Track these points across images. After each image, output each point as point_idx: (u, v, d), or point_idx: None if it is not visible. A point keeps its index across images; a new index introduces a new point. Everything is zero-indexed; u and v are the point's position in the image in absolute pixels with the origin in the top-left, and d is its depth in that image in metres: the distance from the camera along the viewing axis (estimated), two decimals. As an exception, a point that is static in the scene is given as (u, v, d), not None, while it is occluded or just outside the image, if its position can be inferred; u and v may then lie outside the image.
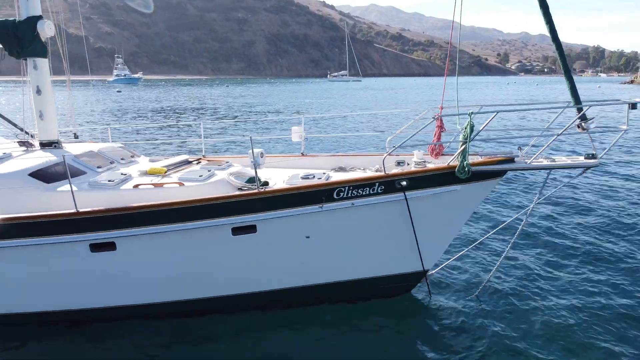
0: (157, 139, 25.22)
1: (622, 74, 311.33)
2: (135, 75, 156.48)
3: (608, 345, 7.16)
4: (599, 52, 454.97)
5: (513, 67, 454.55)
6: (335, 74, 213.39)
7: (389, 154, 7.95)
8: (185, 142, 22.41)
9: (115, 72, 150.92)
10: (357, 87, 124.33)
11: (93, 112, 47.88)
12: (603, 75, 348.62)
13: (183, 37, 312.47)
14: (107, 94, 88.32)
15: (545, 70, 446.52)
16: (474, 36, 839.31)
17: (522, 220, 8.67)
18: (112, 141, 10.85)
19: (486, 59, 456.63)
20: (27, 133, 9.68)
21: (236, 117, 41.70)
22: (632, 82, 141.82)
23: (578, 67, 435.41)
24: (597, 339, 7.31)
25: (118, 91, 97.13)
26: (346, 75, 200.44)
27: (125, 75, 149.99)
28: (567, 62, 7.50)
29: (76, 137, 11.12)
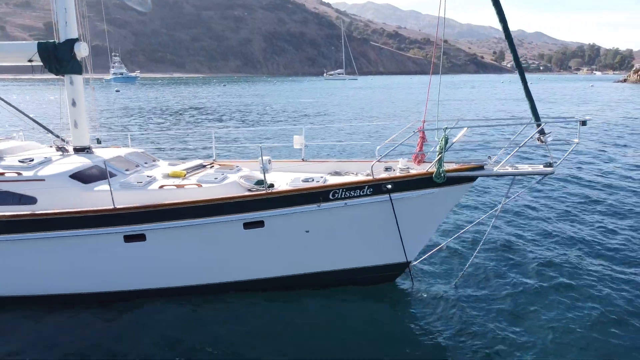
0: (170, 143, 26.59)
1: (617, 72, 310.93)
2: (133, 74, 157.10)
3: (565, 322, 8.48)
4: (595, 50, 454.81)
5: (509, 65, 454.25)
6: (332, 72, 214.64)
7: (378, 161, 9.27)
8: (196, 146, 23.85)
9: (112, 70, 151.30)
10: (352, 87, 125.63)
11: (99, 113, 49.03)
12: (598, 73, 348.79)
13: (180, 35, 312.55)
14: (106, 93, 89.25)
15: (541, 68, 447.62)
16: (470, 34, 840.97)
17: (492, 219, 10.07)
18: (129, 146, 12.14)
19: (482, 57, 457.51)
20: (62, 140, 10.98)
21: (240, 119, 43.05)
22: (625, 80, 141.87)
23: (574, 65, 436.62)
24: (559, 320, 8.62)
25: (117, 90, 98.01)
26: (342, 73, 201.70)
27: (122, 74, 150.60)
28: (527, 83, 8.81)
29: (99, 142, 12.36)
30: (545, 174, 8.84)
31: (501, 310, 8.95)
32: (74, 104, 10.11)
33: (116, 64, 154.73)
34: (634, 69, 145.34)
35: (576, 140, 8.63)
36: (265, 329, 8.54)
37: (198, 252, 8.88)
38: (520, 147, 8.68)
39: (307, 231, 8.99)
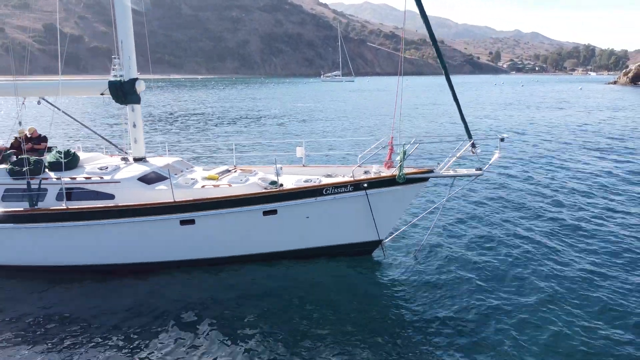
0: (197, 151, 30.61)
1: (611, 73, 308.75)
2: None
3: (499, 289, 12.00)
4: (590, 51, 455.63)
5: (505, 66, 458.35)
6: (329, 74, 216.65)
7: (358, 166, 12.87)
8: (218, 155, 27.79)
9: (112, 72, 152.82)
10: (347, 89, 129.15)
11: (110, 118, 52.37)
12: (593, 74, 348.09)
13: (177, 36, 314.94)
14: (109, 98, 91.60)
15: (537, 68, 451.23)
16: (466, 34, 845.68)
17: (439, 208, 13.74)
18: (166, 154, 15.69)
19: (478, 58, 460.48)
20: (125, 152, 14.53)
21: (244, 126, 46.53)
22: (615, 82, 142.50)
23: (569, 66, 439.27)
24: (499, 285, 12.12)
25: None
26: (339, 75, 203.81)
27: (122, 76, 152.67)
28: (460, 104, 12.35)
29: None
30: (476, 175, 12.44)
31: (445, 269, 12.64)
32: (134, 125, 13.67)
33: (117, 66, 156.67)
34: (624, 70, 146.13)
35: (497, 152, 12.21)
36: (264, 292, 11.54)
37: (231, 232, 12.41)
38: (457, 157, 12.28)
39: (308, 217, 12.52)
